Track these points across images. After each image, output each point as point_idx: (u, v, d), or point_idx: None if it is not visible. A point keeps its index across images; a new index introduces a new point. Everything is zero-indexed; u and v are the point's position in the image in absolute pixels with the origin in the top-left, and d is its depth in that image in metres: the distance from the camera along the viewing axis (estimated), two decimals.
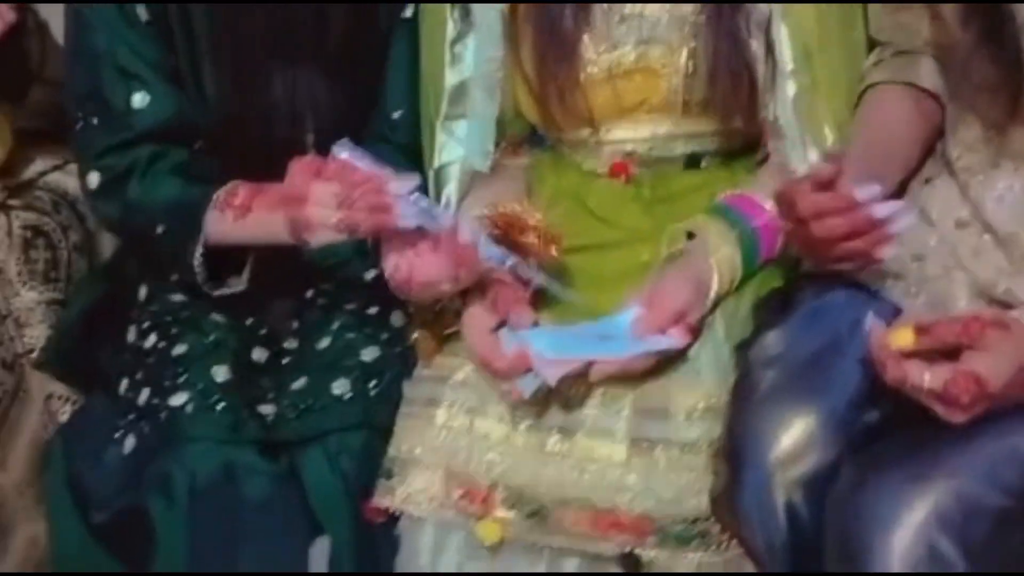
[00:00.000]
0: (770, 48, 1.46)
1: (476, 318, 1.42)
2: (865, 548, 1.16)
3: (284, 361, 1.60)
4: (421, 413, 1.46)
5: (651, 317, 1.36)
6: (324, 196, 1.35)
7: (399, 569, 1.45)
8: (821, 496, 1.25)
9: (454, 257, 1.34)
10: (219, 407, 1.50)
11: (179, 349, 1.56)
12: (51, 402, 1.70)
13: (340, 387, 1.52)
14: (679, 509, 1.35)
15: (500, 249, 1.39)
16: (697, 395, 1.38)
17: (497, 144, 1.57)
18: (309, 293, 1.65)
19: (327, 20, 1.58)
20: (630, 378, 1.38)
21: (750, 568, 1.33)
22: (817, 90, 1.46)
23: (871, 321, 1.22)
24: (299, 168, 1.37)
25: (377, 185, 1.34)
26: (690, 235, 1.44)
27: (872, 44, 1.48)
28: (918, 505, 1.16)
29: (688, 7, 1.47)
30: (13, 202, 1.70)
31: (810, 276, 1.37)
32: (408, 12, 1.60)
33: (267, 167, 1.45)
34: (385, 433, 1.48)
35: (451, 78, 1.54)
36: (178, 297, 1.63)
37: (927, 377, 1.17)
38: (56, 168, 1.77)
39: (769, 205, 1.43)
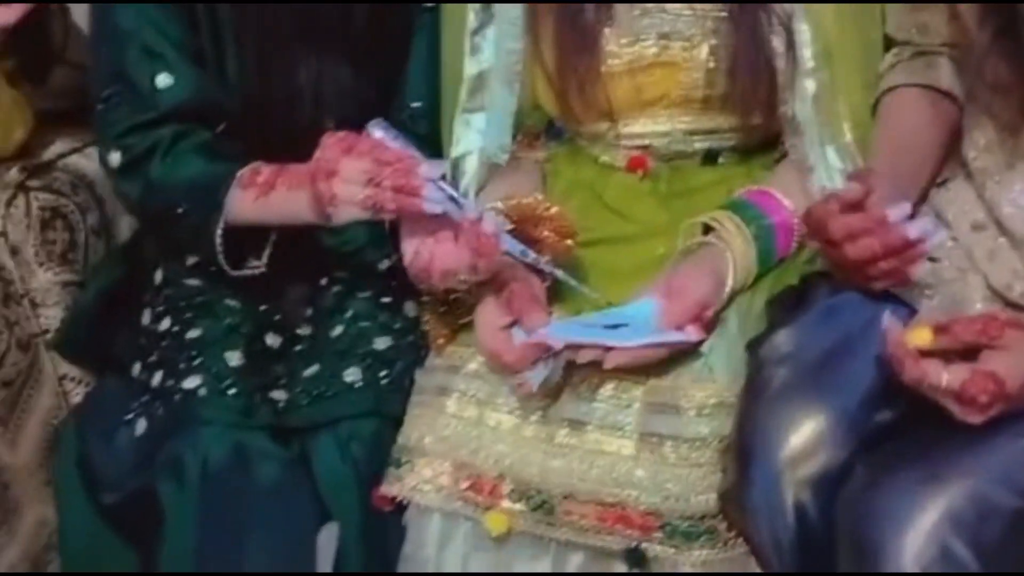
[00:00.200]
0: (790, 45, 1.46)
1: (488, 314, 1.42)
2: (877, 549, 1.16)
3: (297, 348, 1.60)
4: (432, 402, 1.46)
5: (674, 310, 1.36)
6: (353, 172, 1.35)
7: (405, 558, 1.45)
8: (830, 495, 1.25)
9: (475, 247, 1.34)
10: (231, 391, 1.50)
11: (193, 333, 1.57)
12: (64, 383, 1.71)
13: (352, 375, 1.52)
14: (687, 505, 1.35)
15: (518, 240, 1.39)
16: (708, 391, 1.37)
17: (514, 136, 1.57)
18: (323, 280, 1.65)
19: (352, 8, 1.58)
20: (642, 369, 1.38)
21: (756, 567, 1.33)
22: (836, 88, 1.46)
23: (888, 320, 1.21)
24: (331, 142, 1.37)
25: (407, 167, 1.34)
26: (706, 230, 1.44)
27: (889, 43, 1.48)
28: (931, 506, 1.15)
29: (710, 3, 1.47)
30: (32, 183, 1.70)
31: (825, 274, 1.37)
32: (430, 2, 1.60)
33: (288, 152, 1.46)
34: (396, 422, 1.48)
35: (470, 69, 1.54)
36: (193, 282, 1.63)
37: (945, 376, 1.17)
38: (75, 150, 1.77)
39: (787, 202, 1.44)
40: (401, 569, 1.46)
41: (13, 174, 1.69)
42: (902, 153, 1.41)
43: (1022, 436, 1.19)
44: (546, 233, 1.42)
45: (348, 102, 1.59)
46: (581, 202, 1.52)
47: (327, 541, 1.50)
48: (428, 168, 1.35)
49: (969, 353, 1.18)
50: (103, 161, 1.59)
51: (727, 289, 1.40)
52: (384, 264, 1.61)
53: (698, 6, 1.47)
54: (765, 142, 1.55)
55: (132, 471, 1.53)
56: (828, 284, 1.35)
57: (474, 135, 1.55)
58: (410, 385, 1.51)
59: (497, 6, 1.53)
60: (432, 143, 1.57)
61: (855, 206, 1.26)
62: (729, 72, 1.47)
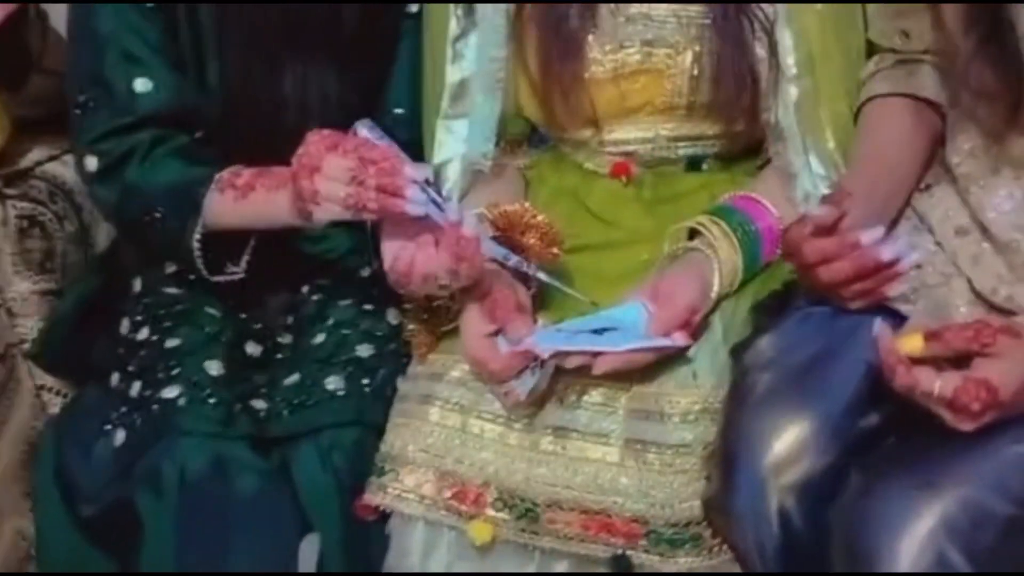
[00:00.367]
0: (773, 52, 1.46)
1: (473, 322, 1.41)
2: (872, 555, 1.16)
3: (278, 356, 1.59)
4: (415, 411, 1.45)
5: (662, 315, 1.36)
6: (337, 169, 1.34)
7: (389, 567, 1.44)
8: (814, 501, 1.25)
9: (455, 251, 1.33)
10: (211, 401, 1.49)
11: (172, 342, 1.56)
12: (42, 394, 1.69)
13: (333, 383, 1.51)
14: (671, 512, 1.35)
15: (502, 247, 1.39)
16: (693, 397, 1.37)
17: (497, 143, 1.56)
18: (305, 288, 1.64)
19: (338, 14, 1.57)
20: (626, 376, 1.38)
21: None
22: (818, 95, 1.47)
23: (879, 326, 1.21)
24: (316, 139, 1.36)
25: (392, 167, 1.33)
26: (691, 235, 1.44)
27: (871, 49, 1.48)
28: (926, 513, 1.16)
29: (695, 9, 1.47)
30: (9, 191, 1.69)
31: None
32: (414, 8, 1.60)
33: (270, 158, 1.45)
34: (378, 430, 1.47)
35: (452, 75, 1.54)
36: (172, 290, 1.62)
37: (937, 384, 1.17)
38: (53, 158, 1.76)
39: (772, 207, 1.44)
40: None
41: None
42: (883, 166, 1.41)
43: (1016, 443, 1.19)
44: (532, 241, 1.42)
45: (332, 108, 1.58)
46: (565, 208, 1.52)
47: (309, 551, 1.49)
48: (413, 170, 1.34)
49: (959, 361, 1.18)
50: (79, 166, 1.58)
51: (713, 294, 1.40)
52: (366, 271, 1.61)
53: (682, 13, 1.48)
54: (749, 149, 1.56)
55: (111, 482, 1.51)
56: (812, 291, 1.35)
57: (456, 142, 1.54)
58: (392, 393, 1.50)
59: (480, 13, 1.52)
60: (414, 149, 1.55)
61: (829, 229, 1.26)
62: (713, 79, 1.47)
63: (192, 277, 1.59)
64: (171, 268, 1.63)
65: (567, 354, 1.34)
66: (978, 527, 1.15)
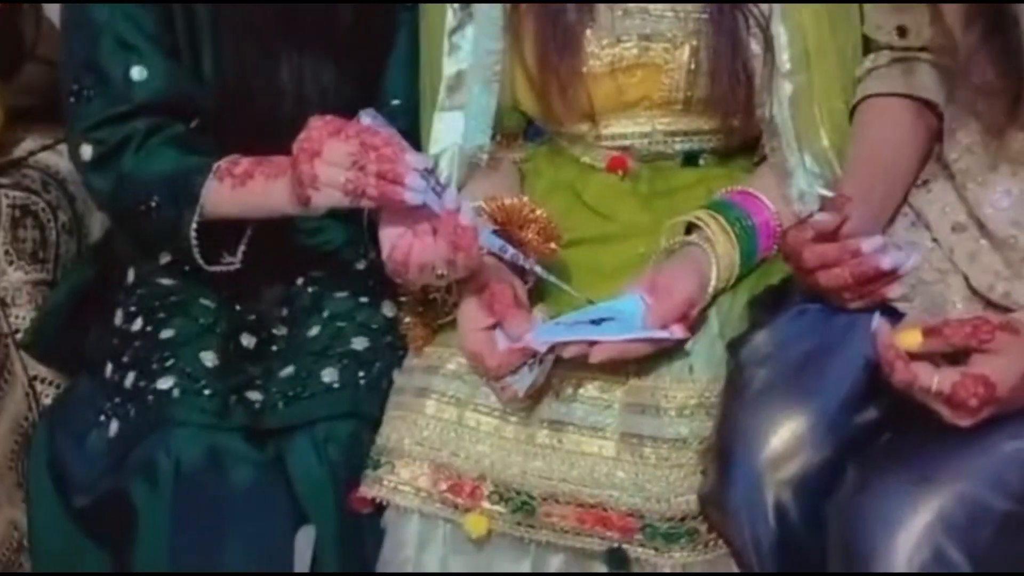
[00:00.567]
0: (768, 47, 1.46)
1: (470, 315, 1.41)
2: (869, 551, 1.16)
3: (273, 348, 1.59)
4: (410, 403, 1.45)
5: (660, 308, 1.36)
6: (338, 154, 1.33)
7: (384, 560, 1.44)
8: (811, 496, 1.25)
9: (454, 240, 1.33)
10: (206, 392, 1.49)
11: (167, 333, 1.55)
12: (35, 384, 1.69)
13: (329, 375, 1.51)
14: (667, 507, 1.35)
15: (499, 238, 1.38)
16: (689, 391, 1.38)
17: (493, 137, 1.56)
18: (300, 280, 1.63)
19: (335, 5, 1.57)
20: (622, 370, 1.38)
21: (737, 568, 1.33)
22: (813, 91, 1.47)
23: (877, 322, 1.21)
24: (318, 124, 1.35)
25: (393, 154, 1.33)
26: (688, 229, 1.44)
27: (867, 44, 1.48)
28: (922, 509, 1.16)
29: (692, 4, 1.47)
30: (2, 180, 1.69)
31: None
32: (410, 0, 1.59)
33: (267, 149, 1.44)
34: (373, 423, 1.47)
35: (448, 68, 1.53)
36: (167, 281, 1.62)
37: (936, 379, 1.17)
38: (46, 148, 1.76)
39: (769, 202, 1.44)
40: (379, 571, 1.44)
41: None
42: (880, 166, 1.41)
43: (1013, 439, 1.19)
44: (531, 235, 1.42)
45: (329, 99, 1.57)
46: (561, 202, 1.52)
47: (304, 543, 1.48)
48: (414, 158, 1.34)
49: (956, 356, 1.18)
50: (73, 155, 1.57)
51: (710, 288, 1.40)
52: (361, 264, 1.61)
53: (680, 8, 1.47)
54: (746, 144, 1.56)
55: (104, 473, 1.51)
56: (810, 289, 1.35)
57: (452, 134, 1.54)
58: (388, 386, 1.50)
59: (476, 6, 1.52)
60: (411, 140, 1.54)
61: (829, 235, 1.27)
62: (710, 74, 1.47)
63: (187, 268, 1.58)
64: (165, 259, 1.62)
65: (564, 344, 1.34)
66: (975, 523, 1.15)
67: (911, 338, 1.19)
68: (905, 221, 1.40)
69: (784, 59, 1.47)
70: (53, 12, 1.68)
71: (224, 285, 1.58)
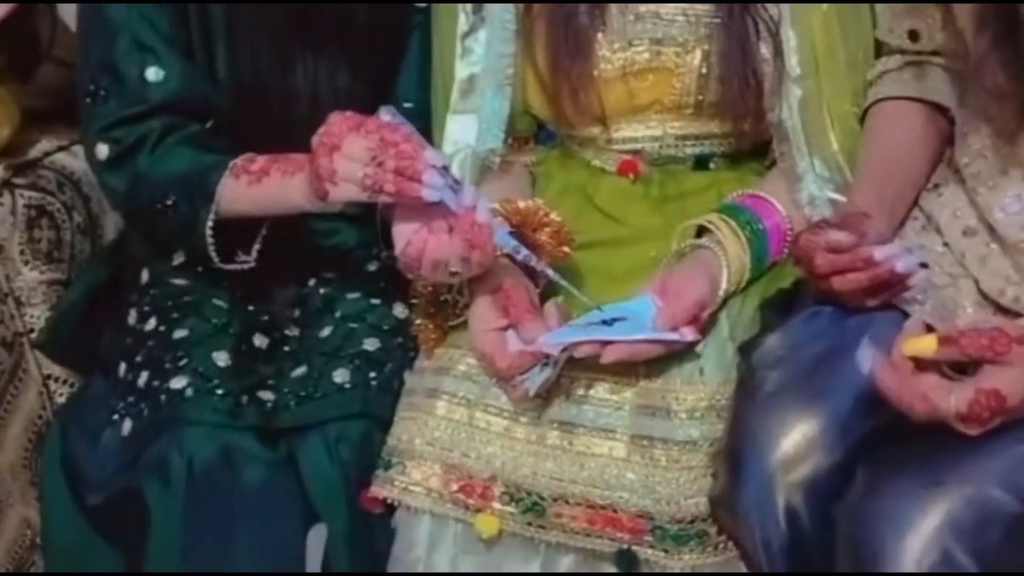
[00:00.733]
0: (778, 51, 1.47)
1: (482, 316, 1.42)
2: (877, 553, 1.16)
3: (285, 348, 1.59)
4: (421, 404, 1.45)
5: (672, 311, 1.36)
6: (357, 149, 1.33)
7: (394, 559, 1.45)
8: (822, 499, 1.25)
9: (469, 237, 1.33)
10: (219, 392, 1.49)
11: (180, 333, 1.56)
12: (49, 383, 1.70)
13: (341, 376, 1.51)
14: (677, 508, 1.35)
15: (514, 239, 1.39)
16: (700, 394, 1.38)
17: (505, 140, 1.56)
18: (312, 281, 1.64)
19: (349, 7, 1.57)
20: (633, 371, 1.38)
21: (746, 570, 1.33)
22: (822, 96, 1.47)
23: (871, 361, 1.20)
24: (338, 119, 1.35)
25: (412, 150, 1.33)
26: (699, 233, 1.44)
27: (878, 47, 1.48)
28: (931, 511, 1.16)
29: (703, 7, 1.47)
30: (18, 181, 1.69)
31: None
32: (423, 2, 1.60)
33: (280, 151, 1.45)
34: (384, 423, 1.48)
35: (461, 71, 1.54)
36: (180, 281, 1.62)
37: (953, 401, 1.16)
38: (61, 148, 1.76)
39: (780, 206, 1.45)
40: (390, 571, 1.45)
41: None
42: (892, 170, 1.41)
43: (1022, 442, 1.19)
44: (544, 239, 1.42)
45: (342, 101, 1.57)
46: (572, 205, 1.52)
47: (315, 542, 1.49)
48: (433, 154, 1.34)
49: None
50: (89, 155, 1.58)
51: (721, 292, 1.41)
52: (373, 265, 1.61)
53: (691, 11, 1.48)
54: (756, 148, 1.56)
55: (117, 472, 1.52)
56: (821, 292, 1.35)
57: (464, 137, 1.54)
58: (399, 387, 1.50)
59: (488, 9, 1.52)
60: None
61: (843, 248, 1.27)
62: (720, 78, 1.48)
63: (200, 269, 1.59)
64: (179, 259, 1.63)
65: (577, 343, 1.35)
66: (984, 526, 1.15)
67: (925, 344, 1.19)
68: (916, 225, 1.41)
69: (793, 63, 1.47)
70: (68, 13, 1.68)
71: (237, 286, 1.59)
